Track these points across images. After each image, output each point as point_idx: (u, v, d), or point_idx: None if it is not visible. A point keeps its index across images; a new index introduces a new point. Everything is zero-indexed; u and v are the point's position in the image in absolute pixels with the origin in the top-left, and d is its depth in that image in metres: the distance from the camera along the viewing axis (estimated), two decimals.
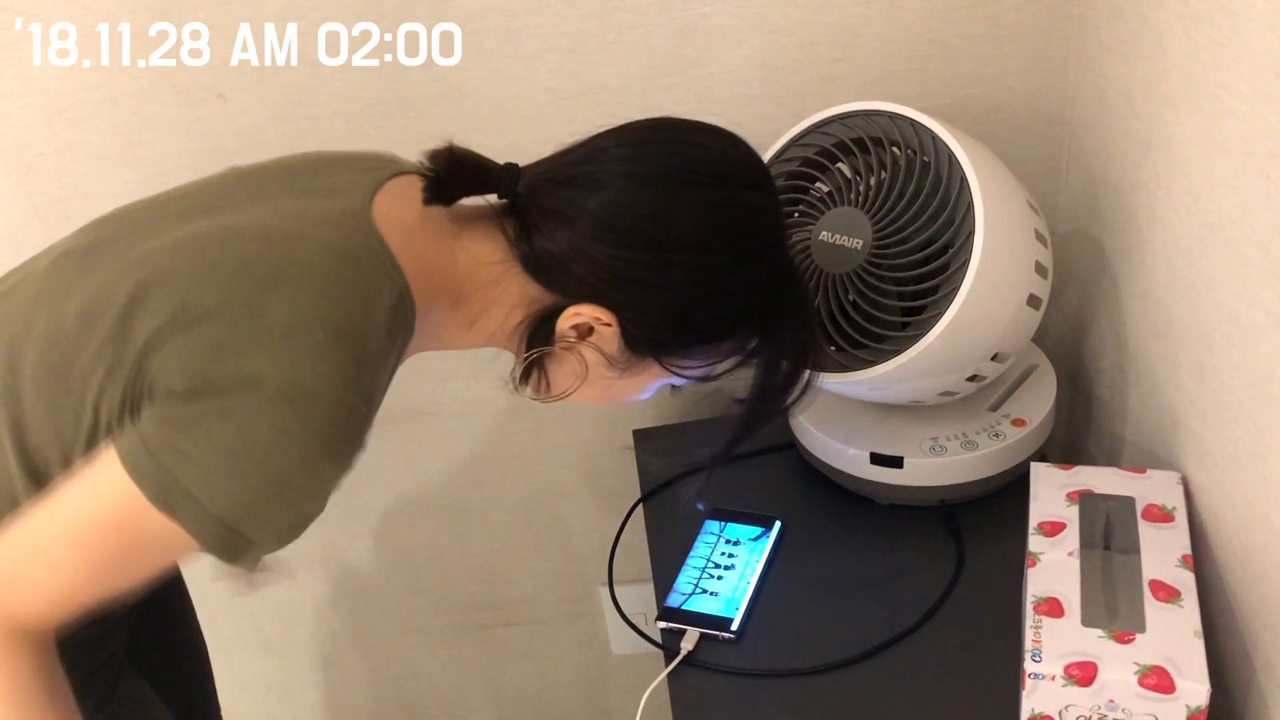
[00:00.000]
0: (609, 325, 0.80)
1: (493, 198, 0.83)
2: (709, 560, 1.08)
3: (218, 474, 0.69)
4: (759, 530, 1.11)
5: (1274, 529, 0.80)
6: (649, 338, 0.82)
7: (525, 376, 0.86)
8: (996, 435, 1.08)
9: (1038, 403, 1.12)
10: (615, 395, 0.88)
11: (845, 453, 1.11)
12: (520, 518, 1.50)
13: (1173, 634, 0.81)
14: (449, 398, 1.38)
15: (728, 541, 1.11)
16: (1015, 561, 0.95)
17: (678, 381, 0.88)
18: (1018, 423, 1.09)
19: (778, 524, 1.11)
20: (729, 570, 1.07)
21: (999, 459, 1.08)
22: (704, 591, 1.05)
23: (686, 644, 1.00)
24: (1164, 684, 0.78)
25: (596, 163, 0.80)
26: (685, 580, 1.06)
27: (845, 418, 1.13)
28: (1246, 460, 0.84)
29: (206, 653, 1.14)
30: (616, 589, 1.16)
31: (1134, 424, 1.09)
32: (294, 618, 1.58)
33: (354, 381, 0.72)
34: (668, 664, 1.00)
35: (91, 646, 0.89)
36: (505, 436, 1.43)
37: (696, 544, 1.11)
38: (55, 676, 0.75)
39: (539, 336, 0.83)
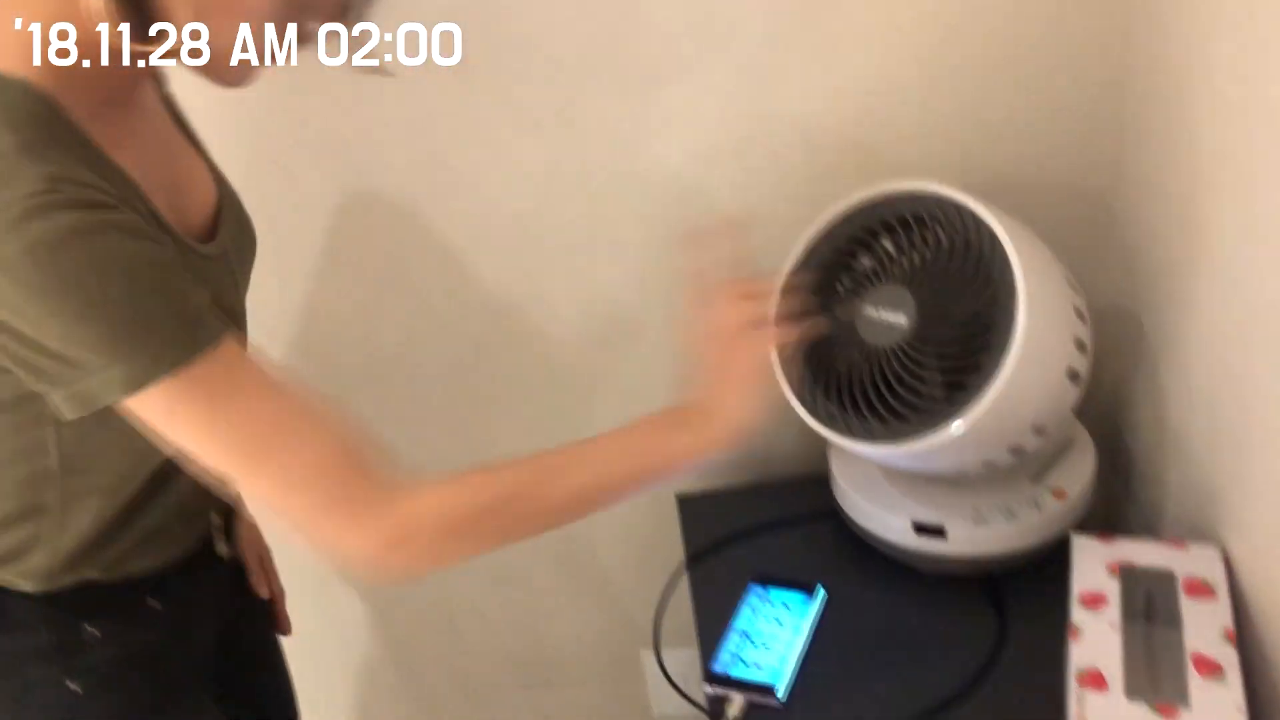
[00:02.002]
0: None
1: None
2: (754, 626, 1.11)
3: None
4: (803, 596, 1.13)
5: None
6: None
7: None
8: (1037, 506, 1.10)
9: (1077, 475, 1.14)
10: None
11: (888, 521, 1.13)
12: (564, 579, 1.52)
13: (1217, 710, 0.82)
14: (497, 458, 1.42)
15: (772, 607, 1.13)
16: (1057, 632, 0.97)
17: None
18: (1058, 494, 1.11)
19: (821, 591, 1.14)
20: (774, 637, 1.09)
21: (1040, 530, 1.09)
22: (749, 658, 1.07)
23: (733, 710, 1.02)
24: (1208, 671, 0.79)
25: None
26: (730, 645, 1.08)
27: (887, 486, 1.16)
28: None
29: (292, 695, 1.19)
30: (660, 651, 1.19)
31: (1173, 497, 1.11)
32: (338, 674, 1.61)
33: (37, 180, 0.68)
34: None
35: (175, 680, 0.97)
36: None
37: (741, 609, 1.13)
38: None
39: None
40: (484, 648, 1.59)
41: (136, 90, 0.85)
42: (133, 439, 0.76)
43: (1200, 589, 0.94)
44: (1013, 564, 1.11)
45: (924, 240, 1.03)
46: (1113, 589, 0.95)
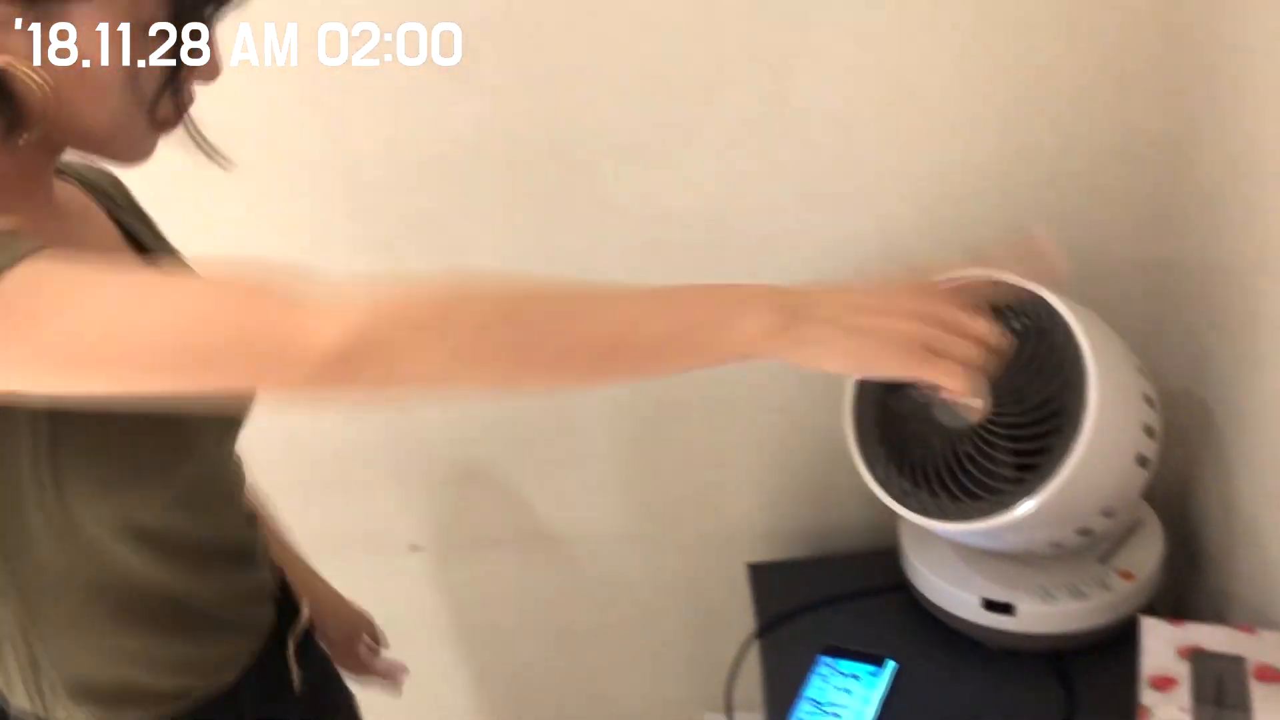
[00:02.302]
0: None
1: None
2: (824, 696, 1.14)
3: None
4: (872, 669, 1.16)
5: None
6: None
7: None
8: (1105, 587, 1.12)
9: (1145, 557, 1.16)
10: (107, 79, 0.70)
11: (958, 597, 1.16)
12: (631, 642, 1.56)
13: None
14: (568, 522, 1.46)
15: (842, 678, 1.16)
16: (1125, 712, 0.99)
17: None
18: (1125, 575, 1.13)
19: (891, 664, 1.16)
20: (843, 708, 1.12)
21: (1108, 610, 1.12)
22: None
23: None
24: None
25: None
26: (800, 713, 1.11)
27: (957, 562, 1.19)
28: None
29: None
30: (719, 716, 1.22)
31: (1243, 582, 1.13)
32: None
33: None
34: None
35: None
36: (620, 563, 1.50)
37: (810, 680, 1.16)
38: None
39: None
40: (551, 708, 1.62)
41: (33, 191, 0.76)
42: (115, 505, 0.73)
43: (1271, 675, 0.95)
44: (1081, 642, 1.13)
45: (1001, 324, 1.07)
46: (1183, 672, 0.97)
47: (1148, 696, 0.95)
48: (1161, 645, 1.00)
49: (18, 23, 0.66)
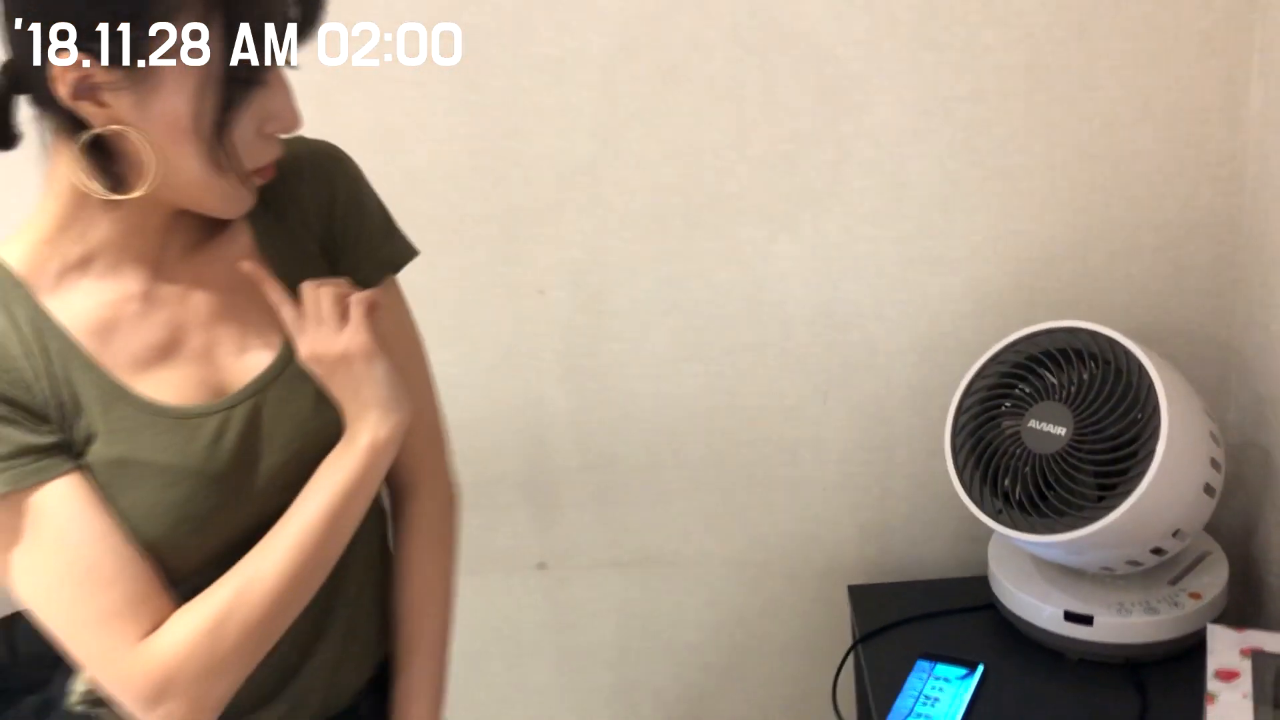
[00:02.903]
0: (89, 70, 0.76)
1: None
2: (921, 693, 1.28)
3: None
4: (964, 671, 1.31)
5: None
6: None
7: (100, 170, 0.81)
8: (1175, 605, 1.27)
9: (1212, 582, 1.30)
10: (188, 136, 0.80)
11: (1042, 610, 1.31)
12: (736, 661, 1.71)
13: None
14: (681, 548, 1.63)
15: (936, 680, 1.30)
16: (1193, 713, 1.12)
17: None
18: (1194, 596, 1.28)
19: (980, 667, 1.31)
20: (938, 704, 1.26)
21: (1178, 625, 1.26)
22: (921, 713, 1.24)
23: None
24: None
25: None
26: (901, 709, 1.26)
27: (1041, 580, 1.34)
28: None
29: None
30: None
31: None
32: None
33: None
34: None
35: None
36: (728, 588, 1.66)
37: (910, 679, 1.31)
38: None
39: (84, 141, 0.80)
40: None
41: (150, 252, 0.87)
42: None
43: None
44: (1152, 653, 1.27)
45: (1083, 365, 1.24)
46: (1245, 667, 1.11)
47: (1213, 685, 1.09)
48: (1225, 646, 1.14)
49: (119, 89, 0.77)
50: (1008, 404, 1.28)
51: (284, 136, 0.87)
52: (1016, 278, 1.44)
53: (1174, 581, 1.31)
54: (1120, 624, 1.26)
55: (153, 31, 0.75)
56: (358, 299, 0.91)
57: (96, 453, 0.84)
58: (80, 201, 0.83)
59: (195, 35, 0.76)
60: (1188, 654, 1.25)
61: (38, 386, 0.82)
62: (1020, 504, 1.23)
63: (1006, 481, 1.26)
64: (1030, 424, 1.24)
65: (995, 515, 1.25)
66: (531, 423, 1.57)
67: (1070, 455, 1.21)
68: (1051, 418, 1.23)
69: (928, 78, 1.35)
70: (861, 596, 1.51)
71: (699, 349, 1.51)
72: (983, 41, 1.33)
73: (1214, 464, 1.23)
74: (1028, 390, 1.27)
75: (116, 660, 0.83)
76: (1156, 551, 1.24)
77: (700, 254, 1.46)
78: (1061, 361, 1.26)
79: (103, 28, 0.75)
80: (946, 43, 1.34)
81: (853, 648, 1.42)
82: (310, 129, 0.90)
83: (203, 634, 0.83)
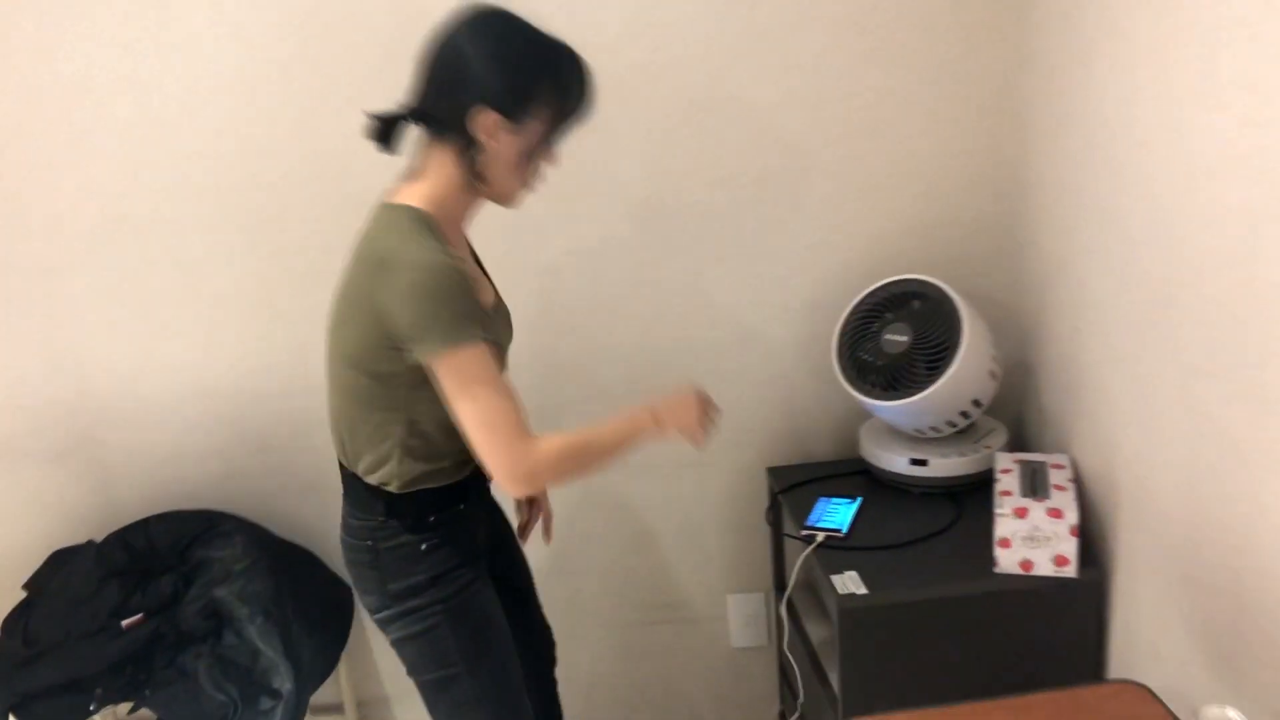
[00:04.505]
0: (495, 119, 1.46)
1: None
2: (824, 513, 2.00)
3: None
4: (849, 501, 2.03)
5: (1115, 480, 1.76)
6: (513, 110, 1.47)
7: (479, 178, 1.51)
8: (977, 451, 2.03)
9: (997, 440, 2.07)
10: (525, 163, 1.52)
11: (895, 460, 2.05)
12: (681, 544, 2.38)
13: (1063, 500, 1.74)
14: (646, 455, 2.31)
15: (833, 505, 2.02)
16: (988, 515, 1.87)
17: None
18: (987, 446, 2.04)
19: (860, 499, 2.04)
20: (835, 517, 1.98)
21: (979, 463, 2.01)
22: (824, 524, 1.96)
23: (818, 538, 1.90)
24: (1057, 514, 1.71)
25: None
26: (813, 519, 1.97)
27: (894, 443, 2.08)
28: (1104, 444, 1.81)
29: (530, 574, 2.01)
30: (738, 595, 2.06)
31: (1046, 440, 2.05)
32: None
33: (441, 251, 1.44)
34: (809, 547, 1.90)
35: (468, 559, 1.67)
36: (676, 485, 2.34)
37: (816, 507, 2.02)
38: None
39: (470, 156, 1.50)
40: (623, 593, 2.42)
41: (464, 220, 1.60)
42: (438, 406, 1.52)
43: (1058, 466, 1.86)
44: (964, 482, 2.02)
45: (916, 300, 2.01)
46: (1015, 465, 1.87)
47: (998, 478, 1.85)
48: (1005, 460, 1.91)
49: (505, 133, 1.49)
50: (873, 327, 2.03)
51: None
52: (872, 253, 2.20)
53: (975, 441, 2.07)
54: (945, 464, 2.01)
55: (533, 108, 1.49)
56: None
57: None
58: (455, 186, 1.53)
59: (546, 116, 1.51)
60: (985, 484, 2.01)
61: None
62: (881, 386, 1.98)
63: (872, 376, 2.00)
64: (885, 337, 1.99)
65: (867, 393, 1.99)
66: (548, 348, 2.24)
67: (910, 354, 1.96)
68: (898, 333, 1.98)
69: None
70: (778, 474, 2.22)
71: (674, 319, 2.22)
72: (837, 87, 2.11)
73: (995, 359, 2.00)
74: (884, 317, 2.03)
75: (515, 449, 1.46)
76: (964, 414, 2.00)
77: (666, 258, 2.18)
78: (903, 299, 2.02)
79: (516, 105, 1.48)
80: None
81: (775, 496, 2.13)
82: None
83: (560, 451, 1.49)
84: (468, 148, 1.49)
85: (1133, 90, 1.62)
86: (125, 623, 2.07)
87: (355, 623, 2.34)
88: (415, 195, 1.52)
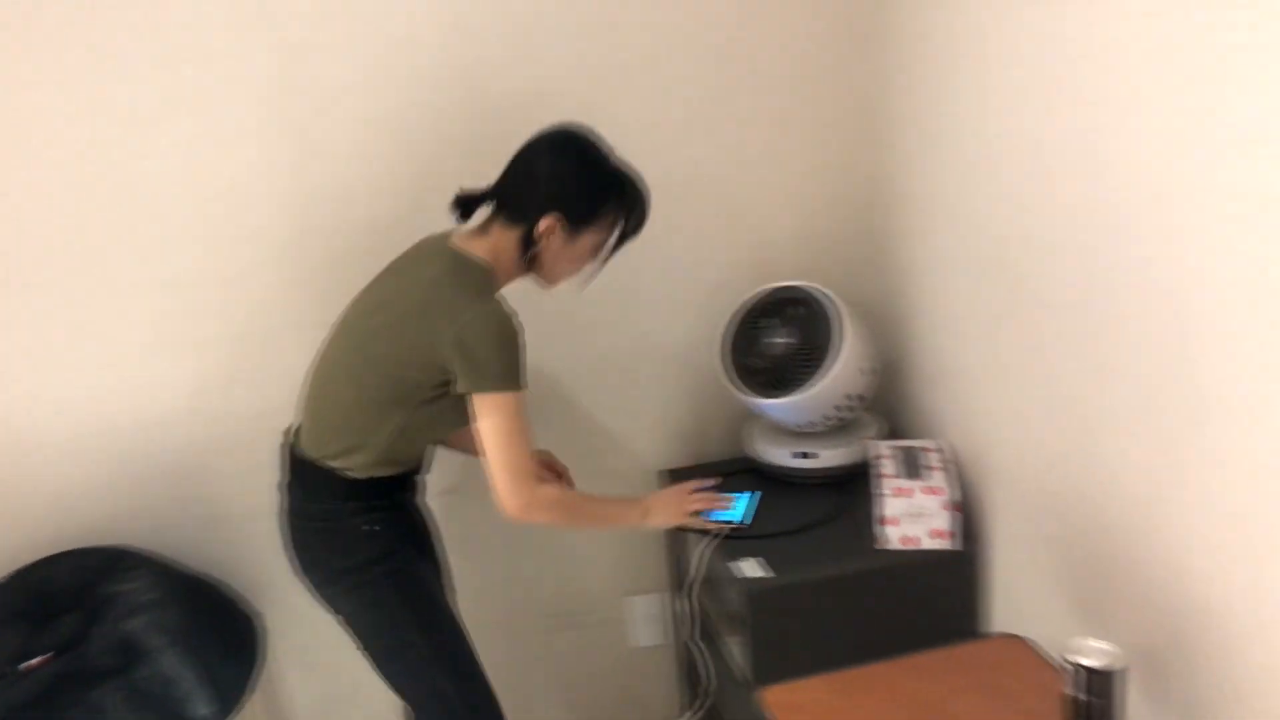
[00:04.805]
0: (556, 223, 1.76)
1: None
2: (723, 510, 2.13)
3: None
4: (748, 496, 2.16)
5: (985, 459, 1.95)
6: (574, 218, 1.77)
7: (534, 268, 1.83)
8: (857, 444, 2.19)
9: (876, 431, 2.24)
10: (577, 261, 1.84)
11: (782, 454, 2.20)
12: (579, 550, 2.48)
13: (939, 479, 1.91)
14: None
15: (732, 498, 2.15)
16: (869, 499, 2.04)
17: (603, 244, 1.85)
18: (867, 437, 2.21)
19: (759, 493, 2.17)
20: (736, 508, 2.11)
21: (858, 454, 2.18)
22: (725, 515, 2.09)
23: (720, 531, 2.03)
24: (933, 492, 1.88)
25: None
26: (716, 515, 2.10)
27: (780, 439, 2.23)
28: (973, 427, 2.00)
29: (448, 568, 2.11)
30: (638, 598, 2.18)
31: (921, 428, 2.23)
32: None
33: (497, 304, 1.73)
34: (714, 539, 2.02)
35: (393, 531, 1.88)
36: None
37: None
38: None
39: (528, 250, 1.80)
40: (524, 600, 2.50)
41: (505, 285, 1.84)
42: (435, 429, 1.82)
43: (931, 450, 2.04)
44: (847, 472, 2.18)
45: (798, 305, 2.17)
46: (892, 453, 2.04)
47: (877, 464, 2.01)
48: (882, 448, 2.08)
49: (559, 235, 1.77)
50: (756, 331, 2.18)
51: None
52: (754, 263, 2.35)
53: (856, 433, 2.24)
54: (829, 455, 2.17)
55: (594, 224, 1.80)
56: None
57: None
58: (510, 260, 1.79)
59: (603, 232, 1.82)
60: (864, 475, 2.18)
61: None
62: (766, 385, 2.13)
63: (758, 377, 2.15)
64: (768, 340, 2.15)
65: (753, 391, 2.13)
66: None
67: (791, 355, 2.12)
68: (780, 335, 2.14)
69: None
70: (671, 476, 2.35)
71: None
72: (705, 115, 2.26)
73: (869, 357, 2.18)
74: (767, 322, 2.18)
75: (523, 486, 1.74)
76: (843, 409, 2.16)
77: None
78: (784, 304, 2.18)
79: (579, 219, 1.78)
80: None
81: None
82: None
83: (555, 502, 1.84)
84: (528, 238, 1.77)
85: (982, 106, 1.82)
86: (24, 666, 2.04)
87: (270, 650, 2.35)
88: (481, 250, 1.79)
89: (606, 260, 1.87)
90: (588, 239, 1.80)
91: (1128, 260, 1.48)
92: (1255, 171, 1.23)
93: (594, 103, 2.18)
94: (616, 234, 1.83)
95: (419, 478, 1.97)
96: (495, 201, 1.81)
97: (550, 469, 2.15)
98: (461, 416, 1.75)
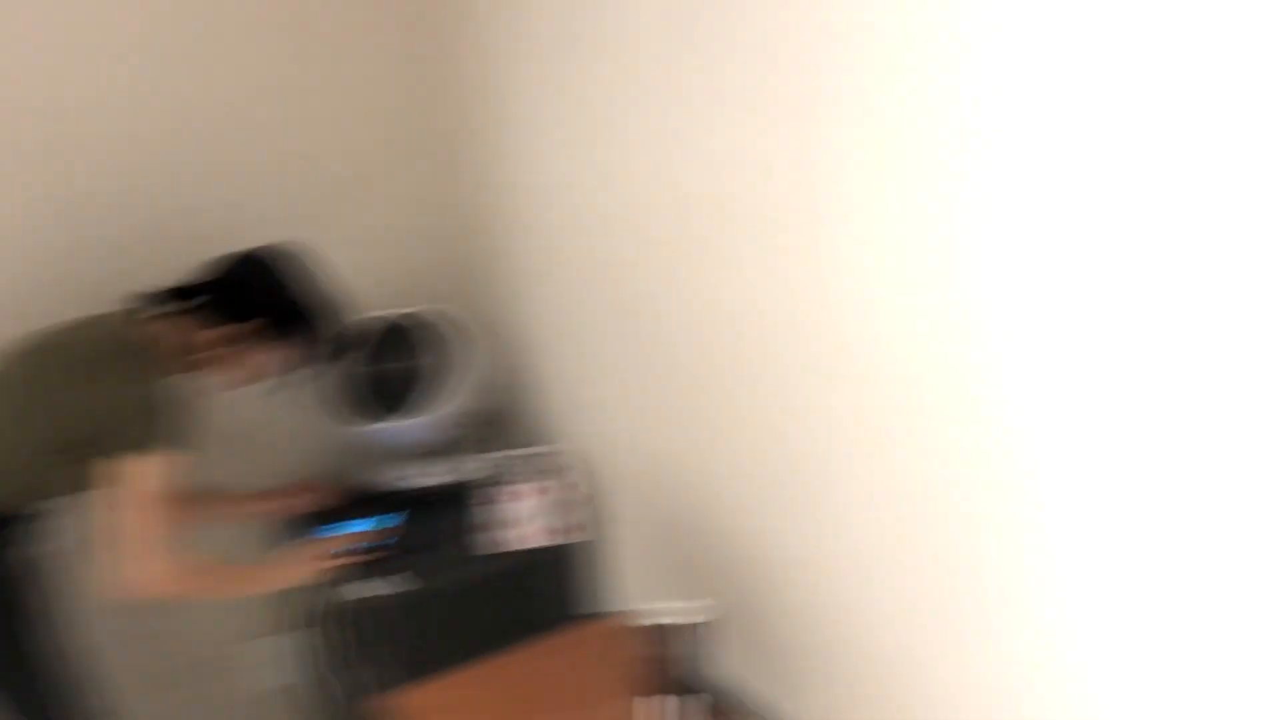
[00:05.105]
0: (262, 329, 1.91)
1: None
2: (351, 529, 2.19)
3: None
4: (380, 518, 2.23)
5: (608, 461, 2.17)
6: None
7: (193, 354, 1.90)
8: (482, 456, 2.35)
9: (503, 443, 2.41)
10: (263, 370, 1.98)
11: (403, 476, 2.30)
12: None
13: (556, 483, 2.12)
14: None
15: (357, 526, 2.22)
16: (493, 502, 2.20)
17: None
18: (492, 450, 2.37)
19: (395, 515, 2.25)
20: (367, 531, 2.18)
21: (487, 465, 2.33)
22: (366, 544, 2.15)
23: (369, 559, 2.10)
24: (549, 492, 2.09)
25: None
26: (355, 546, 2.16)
27: (398, 461, 2.33)
28: (595, 434, 2.22)
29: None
30: (259, 640, 2.21)
31: (546, 437, 2.44)
32: None
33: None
34: None
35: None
36: None
37: (338, 530, 2.21)
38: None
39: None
40: (143, 658, 2.40)
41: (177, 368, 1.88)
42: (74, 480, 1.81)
43: (550, 453, 2.25)
44: (467, 486, 2.32)
45: (413, 330, 2.29)
46: (512, 460, 2.22)
47: (499, 473, 2.18)
48: (503, 457, 2.25)
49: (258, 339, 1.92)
50: (373, 358, 2.27)
51: None
52: (372, 294, 2.44)
53: (479, 447, 2.38)
54: (451, 470, 2.30)
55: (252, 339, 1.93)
56: None
57: None
58: (180, 353, 1.87)
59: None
60: (489, 485, 2.32)
61: None
62: (384, 410, 2.21)
63: (376, 403, 2.23)
64: (385, 366, 2.25)
65: (370, 420, 2.22)
66: None
67: (409, 378, 2.23)
68: (398, 360, 2.25)
69: None
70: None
71: None
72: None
73: (490, 375, 2.34)
74: (381, 349, 2.27)
75: (153, 562, 1.77)
76: (465, 426, 2.30)
77: None
78: (400, 331, 2.29)
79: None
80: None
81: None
82: None
83: (200, 571, 1.86)
84: (227, 338, 1.89)
85: (576, 145, 2.04)
86: None
87: None
88: (154, 336, 1.84)
89: (285, 375, 2.02)
90: (280, 352, 1.95)
91: (698, 287, 1.76)
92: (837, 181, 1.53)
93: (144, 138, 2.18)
94: (304, 355, 1.98)
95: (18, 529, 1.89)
96: (202, 297, 1.89)
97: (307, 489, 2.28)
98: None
